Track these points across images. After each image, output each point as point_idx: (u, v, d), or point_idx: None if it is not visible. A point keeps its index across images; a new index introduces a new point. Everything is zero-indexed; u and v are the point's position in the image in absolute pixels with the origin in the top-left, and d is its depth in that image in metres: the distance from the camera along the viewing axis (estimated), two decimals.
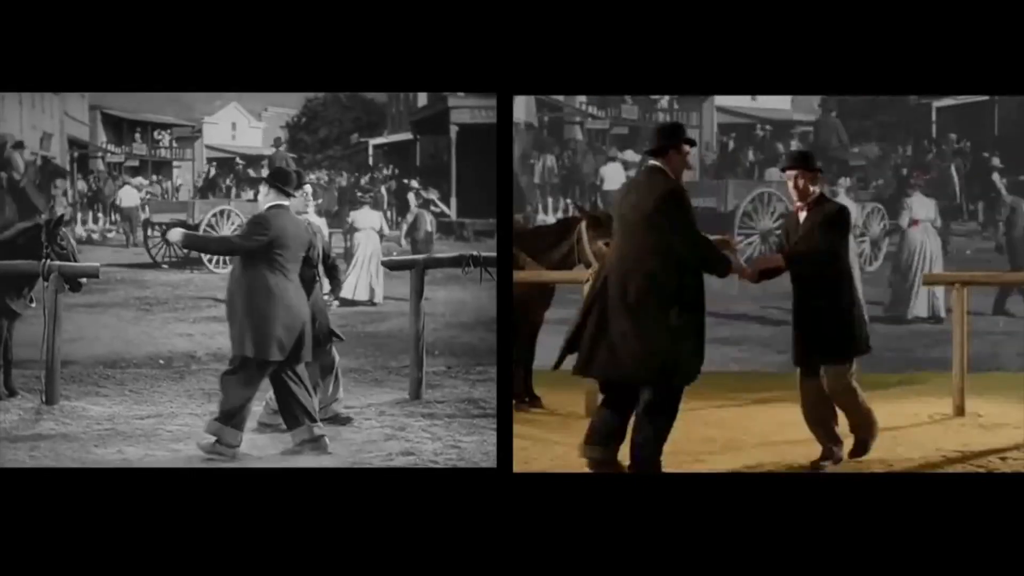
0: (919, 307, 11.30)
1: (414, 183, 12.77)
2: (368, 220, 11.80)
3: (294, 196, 7.46)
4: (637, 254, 6.28)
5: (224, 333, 7.50)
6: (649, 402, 6.30)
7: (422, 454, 7.36)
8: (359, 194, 12.58)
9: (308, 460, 7.15)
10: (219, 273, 11.22)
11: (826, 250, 6.69)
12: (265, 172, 13.22)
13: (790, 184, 6.87)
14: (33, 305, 8.50)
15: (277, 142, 13.47)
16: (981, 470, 7.09)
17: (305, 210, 7.85)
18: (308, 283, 7.52)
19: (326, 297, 8.01)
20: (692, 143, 6.51)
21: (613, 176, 12.77)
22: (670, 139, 6.44)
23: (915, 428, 8.01)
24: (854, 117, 13.14)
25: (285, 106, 14.17)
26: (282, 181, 7.36)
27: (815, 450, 7.01)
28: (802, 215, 6.85)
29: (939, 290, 11.09)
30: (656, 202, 6.25)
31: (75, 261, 8.54)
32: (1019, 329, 10.47)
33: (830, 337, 6.73)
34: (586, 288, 6.66)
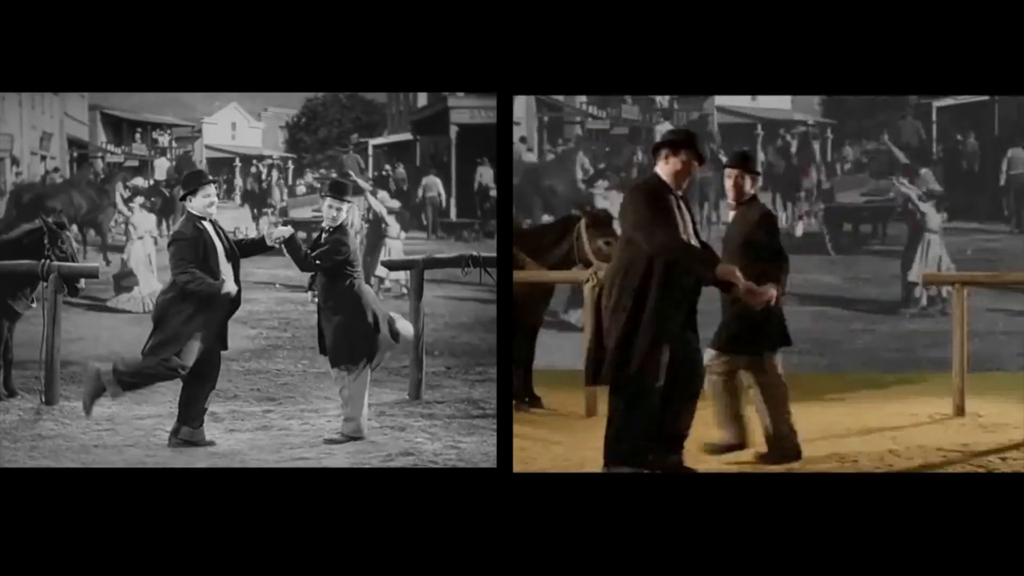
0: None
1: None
2: (145, 224, 11.20)
3: (350, 203, 7.66)
4: None
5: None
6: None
7: (422, 454, 7.36)
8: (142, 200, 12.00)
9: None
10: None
11: (767, 245, 6.80)
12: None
13: (729, 182, 6.99)
14: (34, 305, 8.51)
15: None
16: (981, 470, 7.09)
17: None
18: None
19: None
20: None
21: None
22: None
23: (915, 428, 8.01)
24: (853, 117, 13.14)
25: (285, 106, 14.16)
26: (341, 192, 7.59)
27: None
28: (732, 213, 7.01)
29: None
30: None
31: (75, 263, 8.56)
32: (1019, 329, 10.46)
33: (774, 326, 6.86)
34: (587, 288, 6.64)
